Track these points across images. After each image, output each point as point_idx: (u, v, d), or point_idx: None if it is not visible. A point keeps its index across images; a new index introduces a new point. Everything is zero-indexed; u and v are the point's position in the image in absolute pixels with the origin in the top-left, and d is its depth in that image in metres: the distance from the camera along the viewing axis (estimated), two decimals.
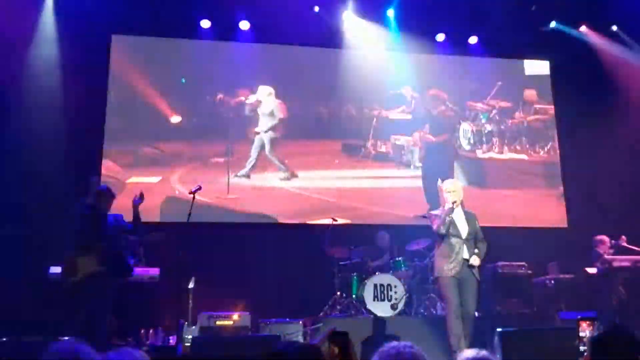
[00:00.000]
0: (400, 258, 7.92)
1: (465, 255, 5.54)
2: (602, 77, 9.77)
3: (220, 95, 9.29)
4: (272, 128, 9.33)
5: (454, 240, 5.53)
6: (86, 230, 5.58)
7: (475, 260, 5.57)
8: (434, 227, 5.61)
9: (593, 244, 8.07)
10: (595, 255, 7.99)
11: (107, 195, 5.84)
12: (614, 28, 9.96)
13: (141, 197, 6.03)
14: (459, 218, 5.64)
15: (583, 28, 10.03)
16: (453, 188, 5.65)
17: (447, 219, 5.51)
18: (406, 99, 9.89)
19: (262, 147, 9.25)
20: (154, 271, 6.88)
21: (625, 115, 9.50)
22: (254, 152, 9.21)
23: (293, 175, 9.23)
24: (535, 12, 9.68)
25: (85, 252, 5.48)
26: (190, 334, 6.80)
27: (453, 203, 5.54)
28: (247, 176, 9.10)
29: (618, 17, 9.73)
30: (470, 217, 5.70)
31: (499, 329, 5.27)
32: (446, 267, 5.53)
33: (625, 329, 2.83)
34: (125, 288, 6.72)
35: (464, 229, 5.60)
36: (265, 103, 9.40)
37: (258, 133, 9.27)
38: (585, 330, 4.66)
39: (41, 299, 6.99)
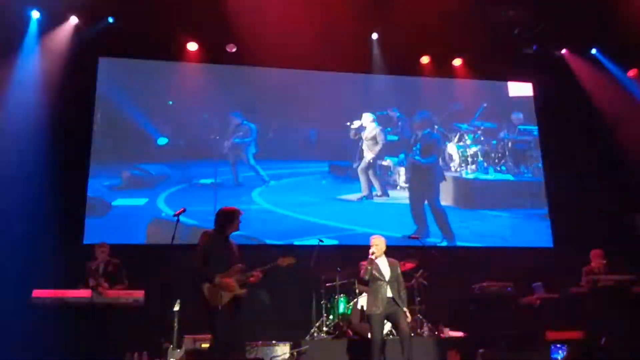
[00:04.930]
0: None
1: (389, 294, 6.26)
2: (584, 98, 9.93)
3: (206, 117, 9.37)
4: (375, 152, 9.76)
5: (378, 283, 6.29)
6: (222, 255, 5.48)
7: (408, 318, 6.31)
8: (360, 274, 6.40)
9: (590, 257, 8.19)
10: (588, 270, 8.05)
11: (238, 215, 5.67)
12: (593, 51, 10.18)
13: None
14: (383, 265, 6.40)
15: (564, 51, 10.22)
16: (375, 242, 6.49)
17: (369, 267, 6.30)
18: (392, 120, 10.00)
19: (366, 169, 9.72)
20: (139, 294, 6.81)
21: (608, 136, 9.64)
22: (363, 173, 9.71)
23: (370, 196, 9.64)
24: (517, 35, 9.85)
25: (226, 276, 5.41)
26: (175, 357, 6.74)
27: (372, 254, 6.37)
28: (387, 195, 9.69)
29: (598, 40, 9.95)
30: (392, 264, 6.46)
31: (481, 350, 5.30)
32: (374, 306, 6.24)
33: (607, 350, 2.85)
34: (109, 311, 6.70)
35: (386, 274, 6.34)
36: (369, 129, 9.76)
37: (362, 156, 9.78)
38: (560, 352, 4.69)
39: (26, 322, 6.92)
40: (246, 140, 9.46)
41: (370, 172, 9.72)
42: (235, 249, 5.63)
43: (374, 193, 9.66)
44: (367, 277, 6.29)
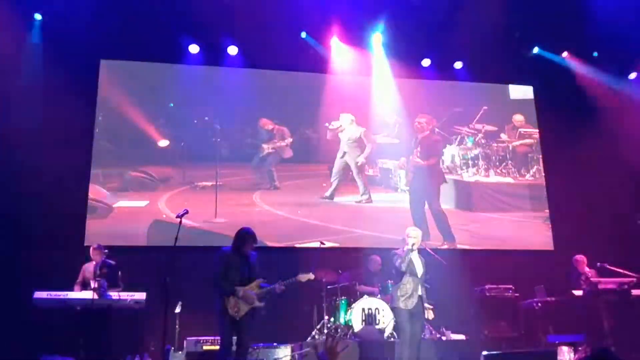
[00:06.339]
0: (389, 282, 7.91)
1: (420, 292, 6.18)
2: (585, 101, 9.95)
3: (207, 119, 9.39)
4: (365, 154, 9.71)
5: (411, 278, 6.17)
6: (237, 270, 6.02)
7: (430, 315, 6.35)
8: (396, 264, 6.22)
9: (573, 263, 8.20)
10: (576, 275, 8.07)
11: (254, 237, 6.19)
12: (595, 54, 10.19)
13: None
14: (416, 261, 6.27)
15: (565, 54, 10.25)
16: (414, 234, 6.27)
17: (407, 258, 6.15)
18: (391, 123, 9.99)
19: (343, 170, 9.60)
20: (140, 296, 6.81)
21: (608, 138, 9.64)
22: (335, 176, 9.56)
23: (369, 199, 9.59)
24: (518, 38, 9.87)
25: (248, 289, 5.97)
26: (176, 359, 6.74)
27: (412, 245, 6.19)
28: (332, 198, 9.50)
29: (599, 43, 9.97)
30: (422, 261, 6.33)
31: (484, 352, 5.30)
32: (404, 301, 6.14)
33: (612, 352, 2.85)
34: (111, 312, 6.70)
35: (419, 270, 6.24)
36: (348, 130, 9.71)
37: (342, 157, 9.67)
38: (565, 355, 4.68)
39: (27, 323, 6.92)
40: (283, 143, 9.51)
41: (356, 173, 9.64)
42: (255, 262, 6.15)
43: (363, 197, 9.61)
44: (404, 269, 6.13)
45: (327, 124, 9.72)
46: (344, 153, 9.69)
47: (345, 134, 9.75)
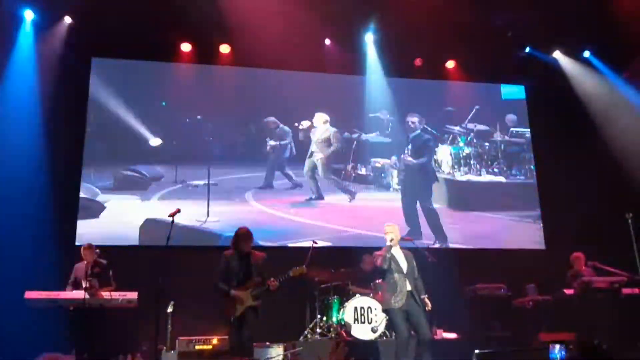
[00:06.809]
0: (379, 280, 7.91)
1: (409, 287, 5.92)
2: (576, 100, 10.01)
3: (199, 118, 9.35)
4: (327, 154, 9.62)
5: (397, 275, 5.95)
6: (235, 270, 6.15)
7: (428, 306, 5.99)
8: (377, 263, 6.01)
9: (571, 260, 8.23)
10: (572, 273, 8.10)
11: (248, 236, 6.26)
12: (586, 54, 10.25)
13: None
14: (399, 256, 6.07)
15: (557, 54, 10.29)
16: (390, 230, 6.11)
17: (387, 255, 5.94)
18: (383, 122, 10.00)
19: (312, 170, 9.53)
20: (132, 295, 6.78)
21: (600, 138, 9.71)
22: (305, 176, 9.52)
23: (354, 196, 9.56)
24: (510, 37, 9.90)
25: (240, 289, 6.09)
26: (169, 359, 6.72)
27: (391, 241, 6.00)
28: (322, 198, 9.49)
29: (590, 43, 10.04)
30: (407, 255, 6.15)
31: (476, 351, 5.32)
32: (393, 300, 5.89)
33: (603, 350, 2.87)
34: (102, 312, 6.67)
35: (404, 265, 6.01)
36: (320, 130, 9.63)
37: (310, 157, 9.58)
38: (557, 353, 4.70)
39: (18, 324, 6.88)
40: (283, 144, 9.49)
41: (322, 172, 9.59)
42: (256, 262, 6.22)
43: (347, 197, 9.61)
44: (385, 266, 5.89)
45: (296, 124, 9.67)
46: (312, 153, 9.62)
47: (316, 134, 9.69)
